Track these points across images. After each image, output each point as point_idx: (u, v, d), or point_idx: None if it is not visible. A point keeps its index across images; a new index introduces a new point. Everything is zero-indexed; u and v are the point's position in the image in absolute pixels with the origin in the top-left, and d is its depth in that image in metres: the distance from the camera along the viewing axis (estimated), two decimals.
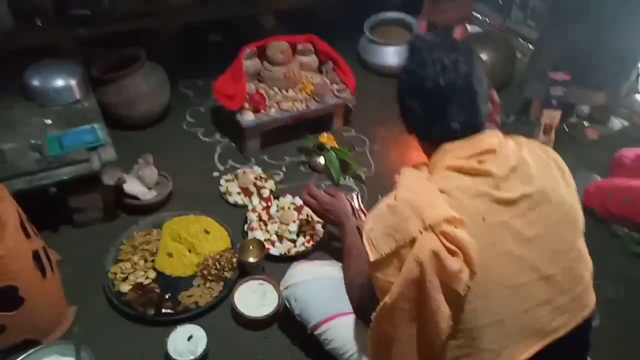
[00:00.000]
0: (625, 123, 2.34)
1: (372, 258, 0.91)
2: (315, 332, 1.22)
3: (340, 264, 1.29)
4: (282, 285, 1.31)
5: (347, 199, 1.48)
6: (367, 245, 0.92)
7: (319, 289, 1.23)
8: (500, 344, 0.89)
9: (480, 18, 2.88)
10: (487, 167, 0.90)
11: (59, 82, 1.78)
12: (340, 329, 1.18)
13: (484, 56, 2.43)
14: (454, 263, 0.83)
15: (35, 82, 1.77)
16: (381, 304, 0.92)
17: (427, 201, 0.88)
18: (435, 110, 0.94)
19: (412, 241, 0.86)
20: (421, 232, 0.85)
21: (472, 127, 0.94)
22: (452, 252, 0.84)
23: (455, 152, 0.93)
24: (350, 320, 1.17)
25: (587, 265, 0.97)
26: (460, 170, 0.91)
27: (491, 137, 0.94)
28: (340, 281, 1.23)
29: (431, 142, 0.97)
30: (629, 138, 2.26)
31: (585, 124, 2.30)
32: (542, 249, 0.90)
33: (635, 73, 2.22)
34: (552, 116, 2.13)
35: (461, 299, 0.85)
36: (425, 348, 0.91)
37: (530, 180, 0.91)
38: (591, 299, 0.98)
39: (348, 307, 1.17)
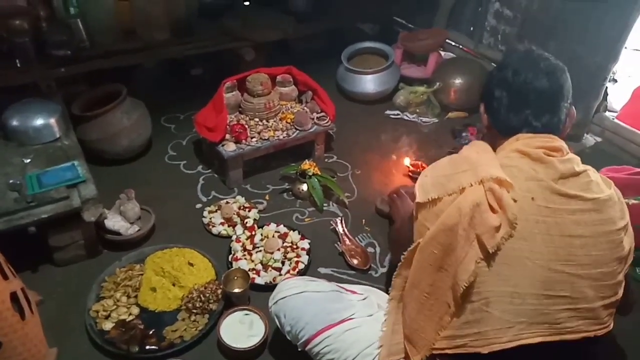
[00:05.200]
0: (598, 139, 2.41)
1: (419, 199, 1.00)
2: (307, 348, 1.18)
3: (327, 282, 1.30)
4: (270, 301, 1.27)
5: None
6: (417, 189, 1.01)
7: (309, 301, 1.21)
8: (514, 318, 0.91)
9: (453, 44, 2.98)
10: (552, 160, 0.95)
11: (39, 121, 1.78)
12: (335, 339, 1.15)
13: (458, 80, 2.52)
14: (492, 219, 0.89)
15: (15, 122, 1.77)
16: (414, 244, 1.01)
17: (485, 162, 0.97)
18: (518, 105, 1.02)
19: (462, 191, 0.95)
20: (471, 185, 0.94)
21: (549, 130, 1.02)
22: (493, 210, 0.91)
23: (526, 141, 1.00)
24: (343, 328, 1.16)
25: (616, 290, 0.98)
26: (525, 155, 0.97)
27: (563, 143, 1.02)
28: (330, 293, 1.23)
29: (504, 134, 1.05)
30: (602, 153, 2.32)
31: None
32: (581, 251, 0.92)
33: (604, 90, 2.29)
34: None
35: (488, 257, 0.90)
36: (442, 305, 0.97)
37: (589, 190, 0.95)
38: (609, 321, 0.98)
39: (339, 317, 1.17)
